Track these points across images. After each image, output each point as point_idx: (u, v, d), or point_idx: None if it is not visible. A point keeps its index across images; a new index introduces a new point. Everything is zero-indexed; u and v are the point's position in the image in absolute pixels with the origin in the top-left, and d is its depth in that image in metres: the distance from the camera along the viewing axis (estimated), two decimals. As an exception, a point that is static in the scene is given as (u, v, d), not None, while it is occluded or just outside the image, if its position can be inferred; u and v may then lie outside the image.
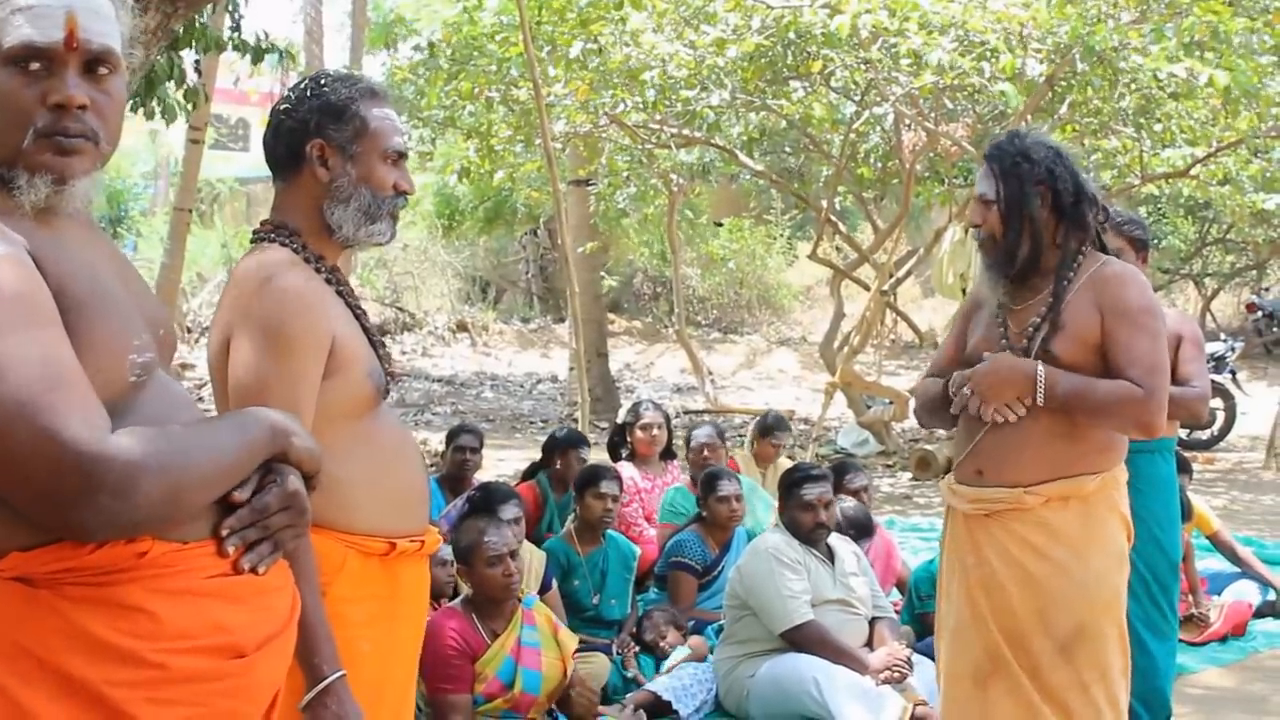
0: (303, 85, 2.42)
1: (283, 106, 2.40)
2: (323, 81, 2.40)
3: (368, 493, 2.30)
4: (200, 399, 13.82)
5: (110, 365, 1.61)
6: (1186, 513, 5.57)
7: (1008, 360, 3.12)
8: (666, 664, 5.15)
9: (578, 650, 5.03)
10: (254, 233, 2.42)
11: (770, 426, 7.22)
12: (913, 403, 3.65)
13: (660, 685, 4.90)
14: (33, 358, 1.50)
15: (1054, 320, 3.12)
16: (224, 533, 1.67)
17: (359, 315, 2.39)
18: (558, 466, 6.38)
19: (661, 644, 5.29)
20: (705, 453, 6.63)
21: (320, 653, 2.12)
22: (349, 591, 2.26)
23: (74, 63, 1.67)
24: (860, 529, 5.63)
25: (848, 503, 5.70)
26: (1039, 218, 3.15)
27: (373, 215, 2.38)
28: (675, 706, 4.80)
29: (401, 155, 2.42)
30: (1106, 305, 3.10)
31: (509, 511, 4.84)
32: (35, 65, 1.65)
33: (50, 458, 1.48)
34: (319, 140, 2.35)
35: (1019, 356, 3.13)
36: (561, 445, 6.45)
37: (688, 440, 6.89)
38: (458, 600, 4.55)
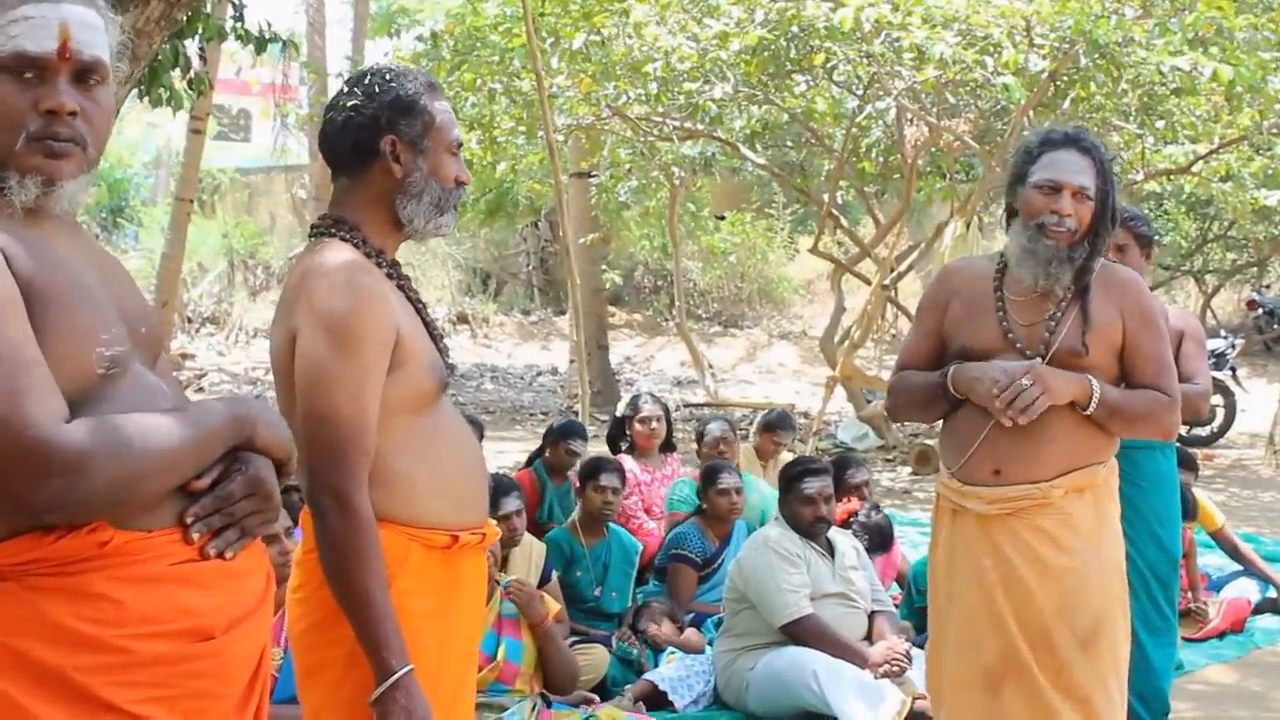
0: (369, 82, 2.42)
1: (350, 103, 2.40)
2: (389, 77, 2.41)
3: (429, 486, 2.32)
4: (201, 389, 13.84)
5: (74, 355, 1.67)
6: (1189, 510, 5.57)
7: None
8: (664, 657, 5.15)
9: (577, 642, 5.05)
10: (312, 227, 2.43)
11: (774, 423, 7.23)
12: (883, 398, 3.64)
13: (658, 676, 4.91)
14: None
15: (1083, 318, 3.13)
16: (187, 520, 1.73)
17: (419, 309, 2.42)
18: (547, 455, 6.48)
19: (654, 635, 5.28)
20: (720, 447, 6.63)
21: (389, 646, 2.16)
22: (412, 584, 2.28)
23: (65, 71, 1.75)
24: (882, 539, 5.65)
25: (876, 515, 5.77)
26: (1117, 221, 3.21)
27: (442, 208, 2.42)
28: (671, 697, 4.81)
29: (460, 146, 2.45)
30: (1129, 310, 3.16)
31: (510, 504, 4.86)
32: (29, 74, 1.74)
33: (7, 441, 1.56)
34: (392, 136, 2.36)
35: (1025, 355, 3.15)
36: (555, 435, 6.52)
37: (700, 435, 6.90)
38: None
